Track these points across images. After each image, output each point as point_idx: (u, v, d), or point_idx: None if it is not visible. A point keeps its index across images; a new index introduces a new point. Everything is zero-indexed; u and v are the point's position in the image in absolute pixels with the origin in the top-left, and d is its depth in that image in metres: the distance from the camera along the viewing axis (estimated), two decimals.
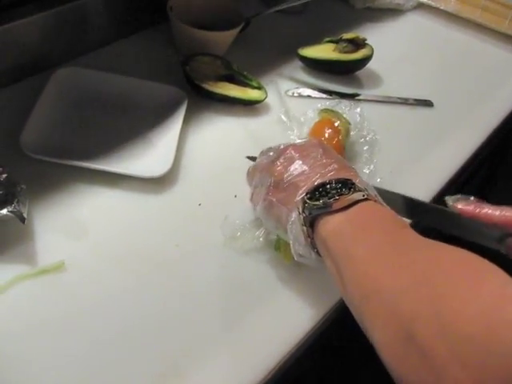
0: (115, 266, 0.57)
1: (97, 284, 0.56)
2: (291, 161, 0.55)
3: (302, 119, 0.77)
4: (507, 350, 0.31)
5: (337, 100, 0.83)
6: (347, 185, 0.49)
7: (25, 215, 0.56)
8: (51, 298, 0.54)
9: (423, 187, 0.74)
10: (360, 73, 0.92)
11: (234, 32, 0.85)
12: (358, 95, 0.87)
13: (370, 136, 0.76)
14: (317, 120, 0.75)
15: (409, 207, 0.56)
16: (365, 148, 0.75)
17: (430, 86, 0.94)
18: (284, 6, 0.91)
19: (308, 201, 0.49)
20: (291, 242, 0.52)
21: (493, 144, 0.92)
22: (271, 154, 0.59)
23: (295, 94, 0.85)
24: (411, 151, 0.81)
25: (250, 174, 0.62)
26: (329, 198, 0.48)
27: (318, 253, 0.50)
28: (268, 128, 0.78)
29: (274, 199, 0.54)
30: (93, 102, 0.74)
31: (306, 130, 0.75)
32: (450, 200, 0.54)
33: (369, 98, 0.87)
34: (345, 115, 0.75)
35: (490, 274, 0.37)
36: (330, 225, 0.48)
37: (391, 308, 0.39)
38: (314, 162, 0.54)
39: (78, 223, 0.60)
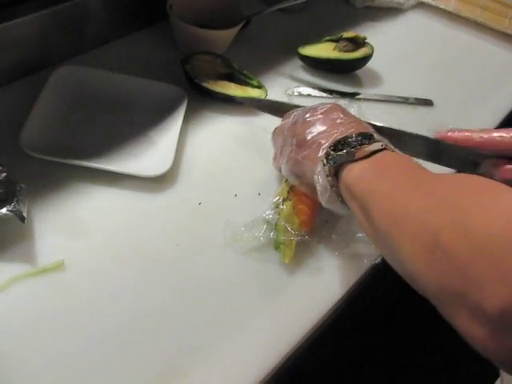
0: (115, 265, 0.57)
1: (97, 283, 0.56)
2: (313, 121, 0.59)
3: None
4: None
5: (334, 99, 0.83)
6: (367, 136, 0.53)
7: (24, 214, 0.55)
8: (51, 297, 0.53)
9: None
10: (360, 72, 0.91)
11: (234, 31, 0.85)
12: (358, 94, 0.87)
13: None
14: None
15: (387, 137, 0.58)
16: None
17: (430, 85, 0.94)
18: (284, 5, 0.91)
19: (332, 152, 0.53)
20: (318, 193, 0.56)
21: None
22: (294, 116, 0.63)
23: (295, 93, 0.85)
24: None
25: (275, 135, 0.67)
26: (351, 148, 0.52)
27: (342, 201, 0.53)
28: (268, 127, 0.78)
29: (299, 157, 0.58)
30: (92, 100, 0.74)
31: None
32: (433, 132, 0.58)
33: (369, 97, 0.87)
34: None
35: (506, 190, 0.40)
36: (354, 172, 0.51)
37: (418, 223, 0.42)
38: (334, 121, 0.58)
39: (78, 222, 0.60)
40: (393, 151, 0.53)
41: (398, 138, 0.60)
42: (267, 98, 0.80)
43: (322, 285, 0.60)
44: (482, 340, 0.36)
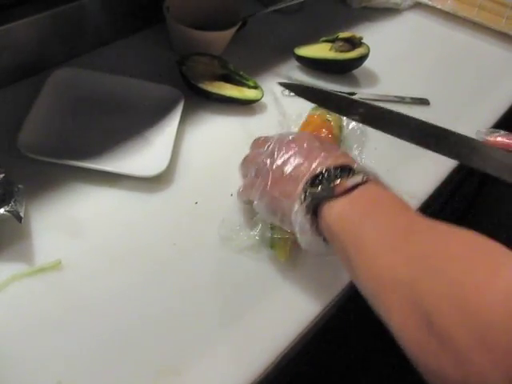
0: (112, 265, 0.58)
1: (94, 282, 0.56)
2: (289, 154, 0.55)
3: (298, 118, 0.77)
4: None
5: None
6: (346, 169, 0.50)
7: (22, 214, 0.56)
8: (48, 297, 0.54)
9: (420, 185, 0.75)
10: (356, 72, 0.92)
11: (230, 32, 0.86)
12: (354, 94, 0.87)
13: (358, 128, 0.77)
14: (306, 116, 0.76)
15: (423, 133, 0.57)
16: (355, 146, 0.76)
17: (426, 85, 0.94)
18: (281, 6, 0.92)
19: (309, 188, 0.50)
20: (297, 233, 0.53)
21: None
22: (268, 146, 0.59)
23: (291, 94, 0.85)
24: (408, 150, 0.80)
25: (245, 165, 0.62)
26: (329, 183, 0.49)
27: (325, 239, 0.51)
28: (264, 127, 0.78)
29: (276, 194, 0.54)
30: (90, 102, 0.74)
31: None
32: (481, 133, 0.53)
33: (365, 97, 0.87)
34: None
35: (502, 257, 0.37)
36: (334, 210, 0.48)
37: (408, 297, 0.39)
38: (312, 153, 0.54)
39: (75, 222, 0.61)
40: (376, 183, 0.50)
41: (440, 136, 0.57)
42: (263, 99, 0.80)
43: (318, 283, 0.60)
44: None
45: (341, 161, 0.52)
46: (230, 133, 0.77)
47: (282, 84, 0.69)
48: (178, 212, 0.65)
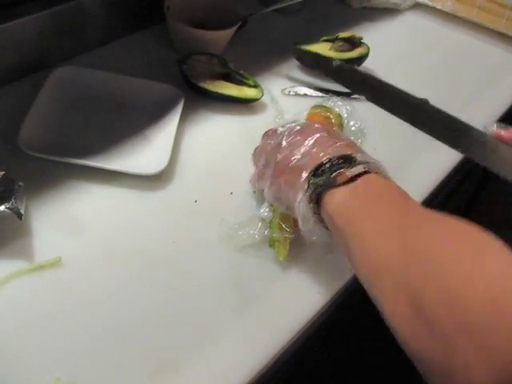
0: (112, 263, 0.58)
1: (93, 280, 0.56)
2: (296, 144, 0.57)
3: (297, 117, 0.78)
4: (510, 322, 0.33)
5: (325, 97, 0.83)
6: (348, 159, 0.51)
7: (22, 212, 0.56)
8: (48, 294, 0.54)
9: (419, 185, 0.75)
10: None
11: (230, 31, 0.86)
12: (353, 93, 0.87)
13: (357, 126, 0.77)
14: (307, 113, 0.76)
15: (438, 123, 0.57)
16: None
17: (426, 85, 0.94)
18: (281, 5, 0.92)
19: (312, 178, 0.51)
20: (299, 221, 0.54)
21: None
22: (276, 137, 0.60)
23: (291, 93, 0.86)
24: (407, 149, 0.81)
25: (256, 155, 0.64)
26: (331, 174, 0.50)
27: (326, 227, 0.52)
28: (264, 126, 0.78)
29: (282, 183, 0.56)
30: (90, 100, 0.74)
31: None
32: (490, 126, 0.52)
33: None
34: (337, 109, 0.76)
35: (491, 247, 0.38)
36: (335, 199, 0.50)
37: (399, 282, 0.40)
38: (318, 143, 0.55)
39: (75, 220, 0.61)
40: (377, 173, 0.51)
41: (453, 128, 0.56)
42: (263, 98, 0.80)
43: (317, 282, 0.60)
44: None
45: (344, 151, 0.53)
46: (230, 131, 0.77)
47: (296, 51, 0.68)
48: (178, 210, 0.65)
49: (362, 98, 0.70)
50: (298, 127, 0.59)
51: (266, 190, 0.60)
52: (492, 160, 0.52)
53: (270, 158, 0.59)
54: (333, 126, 0.73)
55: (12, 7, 0.72)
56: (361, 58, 0.90)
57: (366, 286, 0.46)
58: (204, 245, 0.62)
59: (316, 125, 0.60)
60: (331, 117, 0.74)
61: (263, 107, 0.82)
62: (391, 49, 1.01)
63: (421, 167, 0.78)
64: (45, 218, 0.60)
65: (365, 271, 0.46)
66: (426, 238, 0.42)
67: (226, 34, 0.86)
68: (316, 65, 0.58)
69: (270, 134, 0.64)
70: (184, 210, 0.65)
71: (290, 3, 0.93)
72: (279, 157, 0.57)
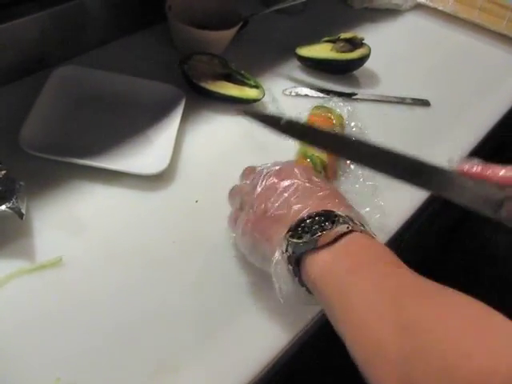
0: (112, 263, 0.58)
1: (94, 280, 0.56)
2: (272, 190, 0.53)
3: (298, 118, 0.78)
4: None
5: (327, 98, 0.83)
6: (330, 217, 0.47)
7: (23, 211, 0.56)
8: (49, 294, 0.54)
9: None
10: (357, 72, 0.92)
11: (232, 31, 0.86)
12: (355, 94, 0.87)
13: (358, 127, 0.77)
14: (307, 115, 0.76)
15: (397, 166, 0.50)
16: None
17: (427, 86, 0.94)
18: (282, 6, 0.92)
19: (290, 239, 0.47)
20: (275, 283, 0.50)
21: (489, 144, 0.93)
22: (253, 178, 0.56)
23: (293, 93, 0.86)
24: (408, 150, 0.80)
25: (232, 195, 0.60)
26: (312, 235, 0.46)
27: (307, 290, 0.48)
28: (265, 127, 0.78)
29: (257, 234, 0.52)
30: (91, 100, 0.74)
31: None
32: (453, 161, 0.50)
33: (366, 97, 0.88)
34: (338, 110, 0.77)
35: (503, 336, 0.34)
36: (318, 265, 0.46)
37: (399, 374, 0.36)
38: (296, 191, 0.52)
39: (76, 220, 0.61)
40: (361, 231, 0.47)
41: (393, 162, 0.50)
42: (264, 98, 0.80)
43: None
44: None
45: (325, 204, 0.49)
46: (231, 132, 0.77)
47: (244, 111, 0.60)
48: (179, 210, 0.65)
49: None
50: (276, 168, 0.55)
51: (237, 238, 0.56)
52: (462, 196, 0.48)
53: (245, 202, 0.55)
54: (333, 126, 0.73)
55: (13, 7, 0.72)
56: (362, 59, 0.90)
57: (356, 360, 0.41)
58: (204, 245, 0.61)
59: (294, 168, 0.55)
60: (332, 117, 0.74)
61: (264, 108, 0.82)
62: (392, 49, 1.01)
63: None
64: (46, 217, 0.60)
65: (356, 349, 0.41)
66: (424, 321, 0.37)
67: (228, 34, 0.86)
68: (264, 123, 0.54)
69: (247, 174, 0.60)
70: (185, 210, 0.65)
71: (292, 4, 0.93)
72: (254, 202, 0.53)
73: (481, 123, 0.89)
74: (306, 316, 0.57)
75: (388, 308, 0.40)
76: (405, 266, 0.44)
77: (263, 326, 0.56)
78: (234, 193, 0.60)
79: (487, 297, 0.38)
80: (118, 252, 0.59)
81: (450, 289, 0.39)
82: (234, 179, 0.65)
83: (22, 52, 0.75)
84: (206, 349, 0.53)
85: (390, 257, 0.46)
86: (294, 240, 0.47)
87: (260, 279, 0.59)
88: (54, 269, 0.56)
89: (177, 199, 0.66)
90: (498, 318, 0.35)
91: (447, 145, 0.83)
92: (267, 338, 0.55)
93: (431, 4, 1.14)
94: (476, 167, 0.47)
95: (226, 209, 0.63)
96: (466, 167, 0.47)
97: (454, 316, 0.37)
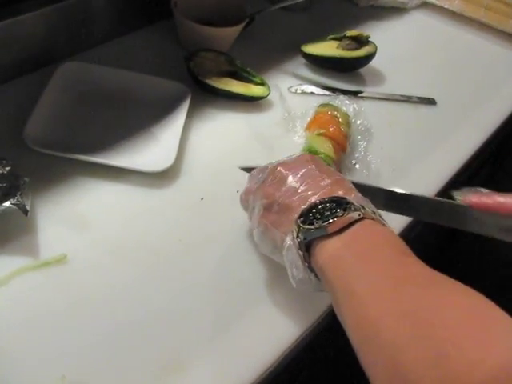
0: (117, 260, 0.58)
1: (99, 277, 0.56)
2: (282, 180, 0.53)
3: (304, 115, 0.77)
4: None
5: (332, 96, 0.83)
6: (342, 204, 0.47)
7: (28, 208, 0.56)
8: (53, 290, 0.54)
9: (426, 185, 0.74)
10: (363, 70, 0.92)
11: (237, 28, 0.86)
12: (360, 92, 0.87)
13: (364, 125, 0.77)
14: (313, 112, 0.76)
15: (406, 203, 0.53)
16: (360, 143, 0.76)
17: (433, 84, 0.94)
18: (288, 3, 0.92)
19: (302, 225, 0.47)
20: (288, 268, 0.50)
21: (495, 143, 0.93)
22: (260, 176, 0.56)
23: (298, 91, 0.85)
24: (414, 149, 0.81)
25: (243, 200, 0.60)
26: (323, 221, 0.46)
27: (316, 276, 0.48)
28: (271, 124, 0.78)
29: (268, 223, 0.52)
30: (97, 96, 0.74)
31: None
32: (458, 194, 0.51)
33: (372, 96, 0.87)
34: (344, 108, 0.76)
35: (499, 329, 0.35)
36: (327, 251, 0.45)
37: (392, 361, 0.36)
38: (306, 179, 0.51)
39: (81, 216, 0.61)
40: (372, 219, 0.47)
41: (405, 202, 0.52)
42: (270, 96, 0.80)
43: None
44: None
45: (336, 191, 0.49)
46: (237, 129, 0.76)
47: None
48: (184, 208, 0.64)
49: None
50: (285, 159, 0.56)
51: (254, 232, 0.56)
52: (475, 226, 0.50)
53: (256, 197, 0.55)
54: (339, 126, 0.72)
55: (18, 3, 0.72)
56: (368, 57, 0.89)
57: (354, 345, 0.41)
58: (210, 242, 0.61)
59: (303, 156, 0.55)
60: (338, 115, 0.74)
61: (270, 105, 0.81)
62: (398, 48, 1.00)
63: (427, 167, 0.78)
64: (50, 214, 0.60)
65: (354, 334, 0.41)
66: (423, 309, 0.37)
67: (233, 31, 0.86)
68: None
69: (255, 175, 0.59)
70: (190, 208, 0.64)
71: (298, 1, 0.92)
72: (265, 193, 0.53)
73: (486, 122, 0.89)
74: (317, 309, 0.57)
75: (390, 295, 0.40)
76: (413, 255, 0.44)
77: (271, 324, 0.55)
78: (243, 198, 0.59)
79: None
80: (122, 249, 0.59)
81: (454, 281, 0.39)
82: (240, 177, 0.64)
83: (26, 48, 0.75)
84: (213, 347, 0.52)
85: (400, 245, 0.45)
86: (306, 226, 0.47)
87: (267, 278, 0.59)
88: (58, 265, 0.56)
89: (182, 196, 0.65)
90: (496, 312, 0.36)
91: (453, 144, 0.82)
92: (277, 335, 0.54)
93: (437, 2, 1.13)
94: (483, 199, 0.49)
95: (231, 207, 0.63)
96: (474, 200, 0.49)
97: (453, 307, 0.37)
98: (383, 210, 0.53)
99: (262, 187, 0.54)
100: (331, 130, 0.71)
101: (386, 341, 0.37)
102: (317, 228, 0.46)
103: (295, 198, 0.50)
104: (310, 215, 0.47)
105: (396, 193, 0.55)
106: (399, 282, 0.41)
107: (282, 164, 0.54)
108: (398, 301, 0.39)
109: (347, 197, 0.48)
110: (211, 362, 0.51)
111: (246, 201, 0.58)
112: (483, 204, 0.49)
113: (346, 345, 0.42)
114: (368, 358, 0.39)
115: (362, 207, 0.47)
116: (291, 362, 0.55)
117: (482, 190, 0.51)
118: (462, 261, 1.28)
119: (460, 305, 0.37)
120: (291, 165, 0.54)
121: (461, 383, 0.32)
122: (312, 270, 0.48)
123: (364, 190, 0.52)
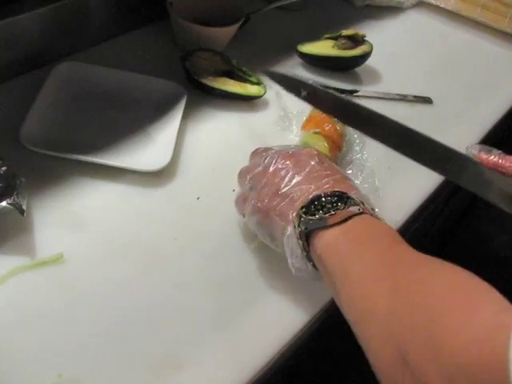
0: (113, 259, 0.58)
1: (95, 276, 0.56)
2: (286, 170, 0.54)
3: (300, 114, 0.78)
4: (496, 379, 0.31)
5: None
6: (343, 198, 0.49)
7: (24, 207, 0.56)
8: (50, 290, 0.54)
9: (421, 184, 0.75)
10: (359, 69, 0.92)
11: (233, 28, 0.86)
12: (356, 91, 0.87)
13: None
14: (309, 111, 0.76)
15: (417, 147, 0.53)
16: (357, 142, 0.76)
17: (429, 83, 0.94)
18: (284, 3, 0.92)
19: (303, 215, 0.49)
20: (288, 256, 0.52)
21: (491, 141, 0.93)
22: (265, 159, 0.57)
23: None
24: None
25: (242, 176, 0.60)
26: (324, 213, 0.48)
27: (314, 266, 0.50)
28: (266, 123, 0.78)
29: (270, 211, 0.53)
30: (93, 96, 0.74)
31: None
32: (472, 149, 0.50)
33: (368, 95, 0.87)
34: None
35: (484, 299, 0.37)
36: (326, 239, 0.48)
37: (386, 331, 0.39)
38: (309, 173, 0.53)
39: (77, 216, 0.61)
40: (371, 214, 0.49)
41: (437, 154, 0.51)
42: (265, 95, 0.80)
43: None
44: None
45: (338, 186, 0.51)
46: (233, 128, 0.77)
47: (266, 72, 0.63)
48: (180, 207, 0.65)
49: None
50: (290, 150, 0.57)
51: (247, 216, 0.56)
52: (478, 185, 0.48)
53: (256, 181, 0.56)
54: (335, 124, 0.72)
55: (14, 3, 0.72)
56: (364, 56, 0.89)
57: (351, 325, 0.44)
58: (205, 241, 0.61)
59: (309, 151, 0.57)
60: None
61: (265, 104, 0.82)
62: (394, 47, 1.01)
63: (423, 168, 0.78)
64: (47, 213, 0.60)
65: (350, 313, 0.44)
66: (414, 283, 0.40)
67: (229, 30, 0.86)
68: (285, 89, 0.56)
69: (257, 154, 0.60)
70: (186, 207, 0.65)
71: (294, 0, 0.92)
72: (267, 181, 0.54)
73: (482, 121, 0.89)
74: (318, 302, 0.58)
75: (384, 275, 0.42)
76: (407, 244, 0.46)
77: (266, 321, 0.55)
78: (243, 173, 0.60)
79: None
80: (119, 248, 0.59)
81: (443, 261, 0.42)
82: (236, 175, 0.65)
83: (22, 48, 0.75)
84: (209, 345, 0.52)
85: (395, 236, 0.48)
86: (307, 217, 0.49)
87: (264, 275, 0.59)
88: (55, 265, 0.56)
89: (178, 196, 0.66)
90: (482, 284, 0.38)
91: (448, 142, 0.82)
92: (272, 332, 0.55)
93: (433, 1, 1.14)
94: (494, 157, 0.50)
95: (227, 205, 0.63)
96: (485, 156, 0.48)
97: (442, 280, 0.39)
98: (381, 142, 0.53)
99: (265, 173, 0.55)
100: (327, 128, 0.71)
101: (381, 313, 0.40)
102: (317, 219, 0.48)
103: (297, 189, 0.52)
104: (312, 207, 0.49)
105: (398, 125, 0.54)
106: (393, 263, 0.44)
107: (288, 154, 0.56)
108: (391, 280, 0.42)
109: (349, 192, 0.50)
110: (208, 360, 0.51)
111: (243, 179, 0.59)
112: (492, 162, 0.50)
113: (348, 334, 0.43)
114: (365, 333, 0.42)
115: (362, 203, 0.49)
116: (288, 359, 0.56)
117: (495, 150, 0.50)
118: (458, 262, 1.28)
119: (449, 278, 0.40)
120: (296, 156, 0.55)
121: (447, 346, 0.34)
122: (310, 259, 0.50)
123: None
